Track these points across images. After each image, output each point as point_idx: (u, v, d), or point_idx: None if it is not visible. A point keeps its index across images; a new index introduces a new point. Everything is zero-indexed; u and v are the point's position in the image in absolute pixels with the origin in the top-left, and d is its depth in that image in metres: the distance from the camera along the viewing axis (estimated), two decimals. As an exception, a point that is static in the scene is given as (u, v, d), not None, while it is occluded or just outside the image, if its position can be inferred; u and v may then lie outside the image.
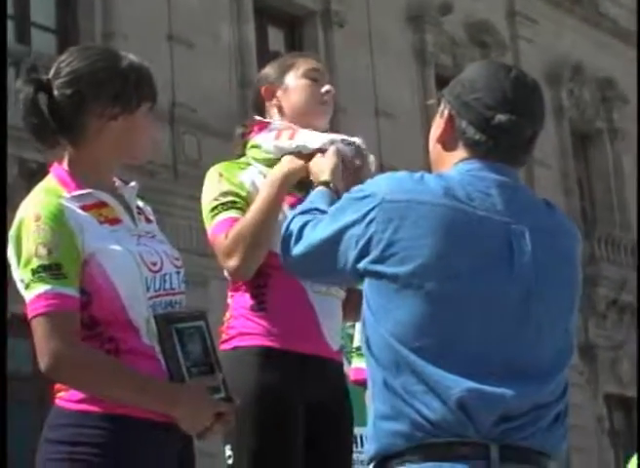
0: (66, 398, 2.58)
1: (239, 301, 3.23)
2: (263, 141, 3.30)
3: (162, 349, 2.58)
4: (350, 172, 3.21)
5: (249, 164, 3.31)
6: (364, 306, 2.48)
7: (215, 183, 3.23)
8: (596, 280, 22.43)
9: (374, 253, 2.42)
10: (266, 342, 3.16)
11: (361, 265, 2.45)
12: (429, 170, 2.63)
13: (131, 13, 16.49)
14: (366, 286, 2.47)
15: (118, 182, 2.78)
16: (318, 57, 3.50)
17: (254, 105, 3.46)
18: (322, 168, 3.13)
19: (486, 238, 2.42)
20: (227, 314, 3.26)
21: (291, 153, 3.24)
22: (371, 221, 2.43)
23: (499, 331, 2.39)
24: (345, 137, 3.25)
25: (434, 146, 2.60)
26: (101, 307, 2.57)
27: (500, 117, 2.48)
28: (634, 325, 23.84)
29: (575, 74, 24.49)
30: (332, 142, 3.21)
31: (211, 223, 3.18)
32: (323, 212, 2.67)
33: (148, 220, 2.80)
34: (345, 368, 4.30)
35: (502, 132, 2.49)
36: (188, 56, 17.19)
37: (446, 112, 2.56)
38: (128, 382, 2.53)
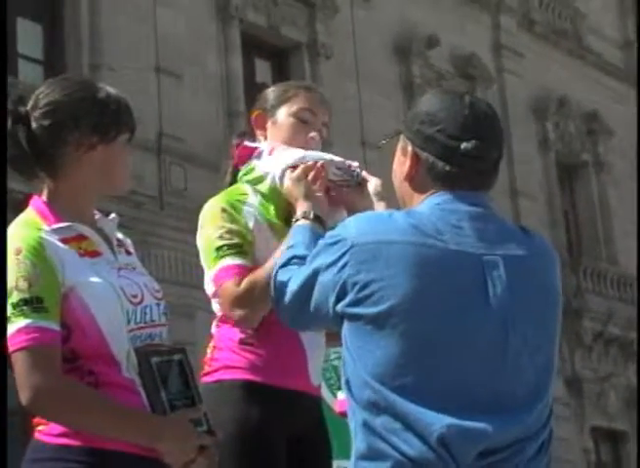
0: (46, 431, 2.55)
1: (226, 333, 3.19)
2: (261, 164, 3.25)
3: (143, 382, 2.56)
4: (341, 188, 3.16)
5: (246, 193, 3.24)
6: (343, 348, 2.47)
7: (218, 219, 3.15)
8: (582, 312, 22.45)
9: (349, 297, 2.42)
10: (251, 376, 3.12)
11: (338, 309, 2.45)
12: None
13: (118, 44, 16.54)
14: (344, 328, 2.46)
15: (98, 215, 2.76)
16: (323, 97, 3.40)
17: (249, 126, 3.42)
18: (295, 196, 3.10)
19: (459, 272, 2.41)
20: (211, 345, 3.22)
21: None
22: (344, 266, 2.43)
23: (477, 365, 2.38)
24: (325, 156, 3.19)
25: (401, 184, 2.58)
26: (82, 341, 2.55)
27: (467, 145, 2.47)
28: (621, 357, 23.84)
29: (560, 107, 24.62)
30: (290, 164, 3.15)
31: (216, 264, 3.11)
32: (303, 257, 2.66)
33: (128, 253, 2.79)
34: (330, 400, 4.27)
35: (470, 159, 2.48)
36: (175, 87, 17.24)
37: (409, 149, 2.54)
38: (111, 415, 2.51)
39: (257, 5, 19.03)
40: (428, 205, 2.48)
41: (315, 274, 2.50)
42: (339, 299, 2.45)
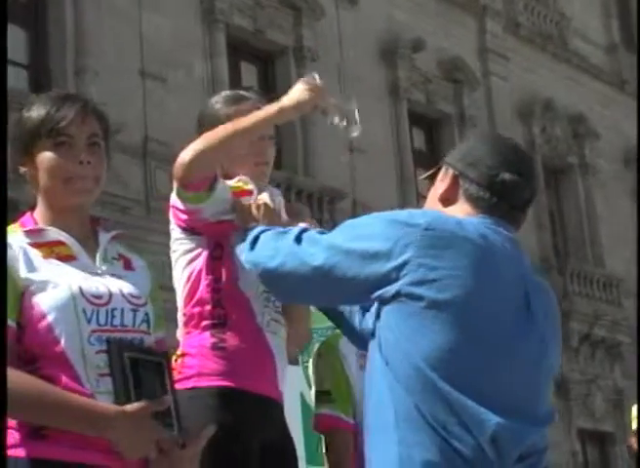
0: None
1: (197, 339, 3.17)
2: None
3: (111, 372, 2.49)
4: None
5: None
6: (384, 330, 2.49)
7: None
8: (569, 314, 22.47)
9: (412, 276, 2.45)
10: (225, 382, 3.10)
11: (394, 287, 2.47)
12: (402, 206, 2.66)
13: (102, 48, 16.49)
14: (390, 308, 2.48)
15: (102, 232, 2.74)
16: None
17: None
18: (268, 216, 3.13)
19: (510, 285, 2.52)
20: (179, 352, 3.19)
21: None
22: (407, 246, 2.46)
23: (520, 373, 2.47)
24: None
25: (434, 205, 2.67)
26: (34, 339, 2.52)
27: (505, 175, 2.59)
28: (607, 359, 23.88)
29: (546, 110, 24.65)
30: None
31: None
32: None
33: (129, 268, 2.74)
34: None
35: (506, 189, 2.60)
36: (160, 90, 17.20)
37: (450, 172, 2.65)
38: (57, 402, 2.43)
39: (242, 9, 19.01)
40: (477, 221, 2.58)
41: (368, 249, 2.50)
42: (396, 278, 2.46)
